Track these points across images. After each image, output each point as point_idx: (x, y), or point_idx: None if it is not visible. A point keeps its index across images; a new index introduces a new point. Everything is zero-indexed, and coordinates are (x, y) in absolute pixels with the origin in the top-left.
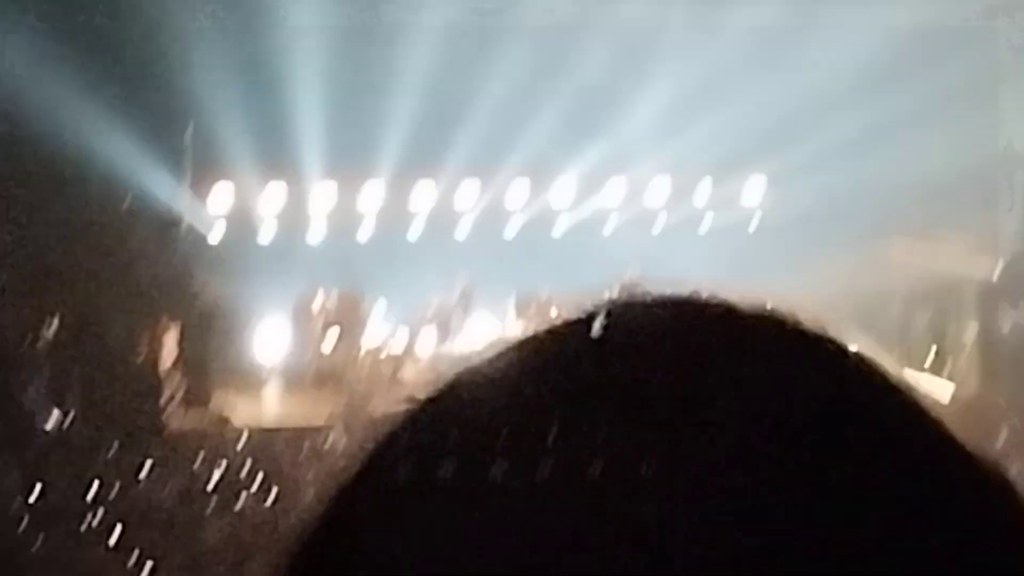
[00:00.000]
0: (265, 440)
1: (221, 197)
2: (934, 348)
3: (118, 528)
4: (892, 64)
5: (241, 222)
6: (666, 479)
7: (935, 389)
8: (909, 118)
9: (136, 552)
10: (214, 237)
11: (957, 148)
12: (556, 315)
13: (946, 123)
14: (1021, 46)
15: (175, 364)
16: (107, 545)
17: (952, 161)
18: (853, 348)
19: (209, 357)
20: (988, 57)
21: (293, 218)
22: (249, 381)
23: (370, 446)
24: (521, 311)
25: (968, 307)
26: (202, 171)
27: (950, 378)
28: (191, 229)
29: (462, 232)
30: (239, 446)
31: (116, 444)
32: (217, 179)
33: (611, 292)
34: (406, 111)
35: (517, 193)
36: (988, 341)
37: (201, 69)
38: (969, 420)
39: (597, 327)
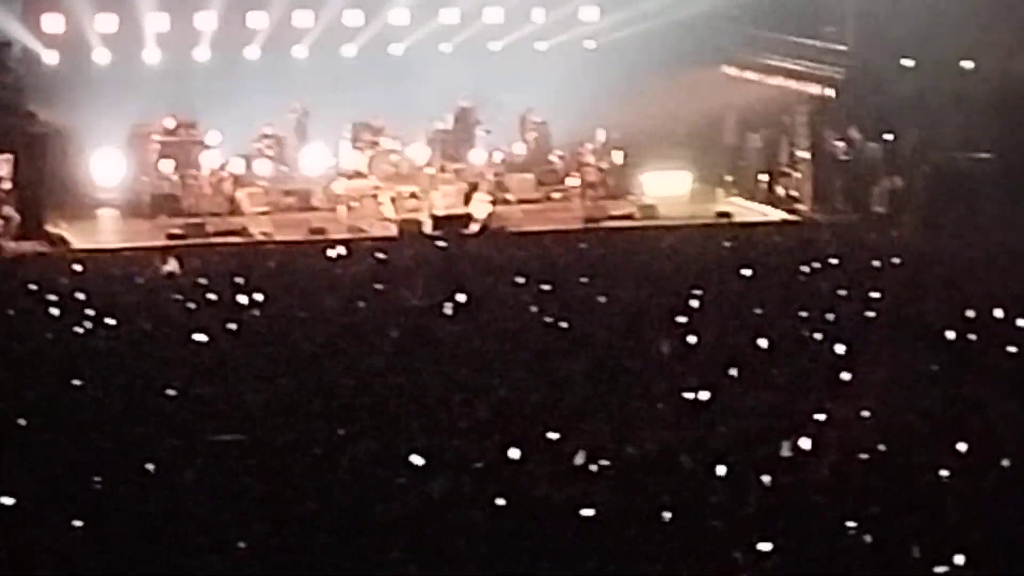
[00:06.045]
0: (101, 262)
1: (54, 22)
2: (766, 173)
3: None
4: None
5: (75, 47)
6: None
7: (765, 214)
8: None
9: None
10: (47, 62)
11: None
12: (390, 142)
13: None
14: None
15: (9, 190)
16: None
17: None
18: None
19: (44, 182)
20: None
21: (127, 43)
22: (85, 206)
23: None
24: (356, 137)
25: (799, 132)
26: None
27: (781, 203)
28: (24, 54)
29: (298, 55)
30: (76, 267)
31: None
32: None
33: (445, 116)
34: None
35: (351, 20)
36: (818, 165)
37: None
38: (799, 243)
39: None
